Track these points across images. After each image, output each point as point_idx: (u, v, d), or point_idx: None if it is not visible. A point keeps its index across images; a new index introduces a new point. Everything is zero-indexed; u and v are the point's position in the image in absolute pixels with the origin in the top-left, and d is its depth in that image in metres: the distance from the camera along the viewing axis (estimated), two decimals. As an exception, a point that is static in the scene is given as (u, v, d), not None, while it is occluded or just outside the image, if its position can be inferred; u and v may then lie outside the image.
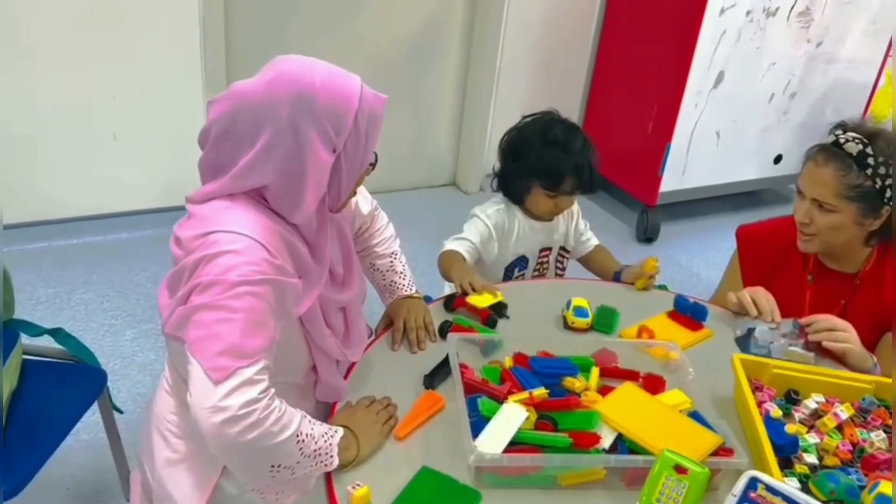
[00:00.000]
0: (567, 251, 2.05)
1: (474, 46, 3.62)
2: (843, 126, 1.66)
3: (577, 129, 1.91)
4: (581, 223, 2.07)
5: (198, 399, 1.06)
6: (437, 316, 1.62)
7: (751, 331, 1.66)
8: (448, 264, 1.81)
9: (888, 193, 1.61)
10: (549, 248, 2.01)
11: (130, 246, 3.04)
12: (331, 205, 1.25)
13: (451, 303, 1.68)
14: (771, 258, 1.86)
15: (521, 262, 1.98)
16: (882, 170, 1.59)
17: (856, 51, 3.69)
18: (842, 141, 1.62)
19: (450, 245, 1.86)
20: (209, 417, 1.05)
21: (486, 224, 1.91)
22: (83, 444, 2.04)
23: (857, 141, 1.60)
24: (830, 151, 1.64)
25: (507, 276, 1.98)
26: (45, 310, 2.63)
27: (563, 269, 2.08)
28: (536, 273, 2.03)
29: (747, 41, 3.33)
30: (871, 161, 1.59)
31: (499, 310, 1.66)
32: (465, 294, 1.67)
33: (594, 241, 2.09)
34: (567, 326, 1.66)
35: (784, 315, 1.73)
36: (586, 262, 2.11)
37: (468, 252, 1.86)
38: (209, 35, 2.99)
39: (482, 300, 1.64)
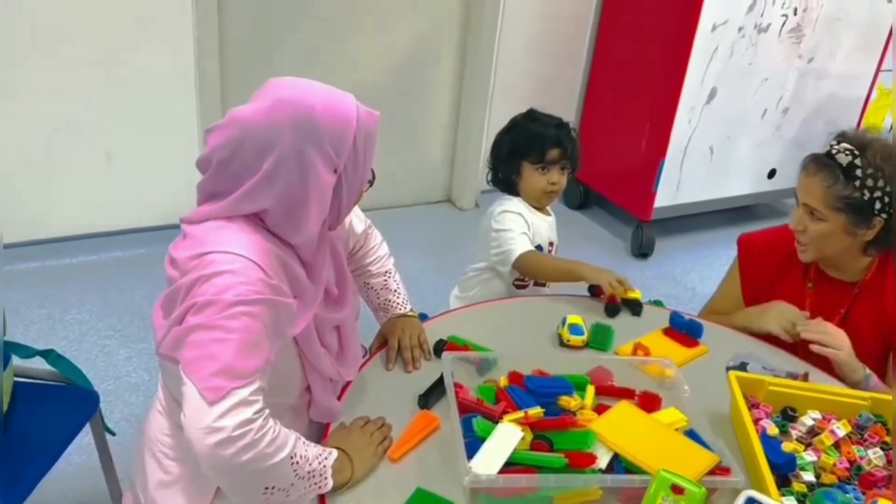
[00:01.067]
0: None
1: (468, 63, 3.63)
2: (842, 136, 1.66)
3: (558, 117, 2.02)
4: None
5: (192, 420, 1.05)
6: (437, 333, 1.61)
7: (743, 364, 1.64)
8: (556, 266, 1.90)
9: (878, 205, 1.61)
10: (553, 244, 2.06)
11: (124, 265, 3.03)
12: (330, 223, 1.26)
13: (593, 289, 1.85)
14: (771, 265, 1.86)
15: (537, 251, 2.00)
16: (870, 182, 1.59)
17: (847, 65, 3.72)
18: (833, 151, 1.63)
19: (522, 247, 1.90)
20: (203, 438, 1.04)
21: (518, 214, 1.96)
22: (75, 466, 2.02)
23: (847, 152, 1.60)
24: (821, 161, 1.65)
25: None
26: (38, 330, 2.62)
27: None
28: None
29: (739, 57, 3.35)
30: (859, 173, 1.60)
31: (632, 306, 1.79)
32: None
33: None
34: (562, 344, 1.65)
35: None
36: None
37: (532, 244, 1.92)
38: (203, 56, 3.00)
39: (617, 293, 1.77)
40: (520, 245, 1.91)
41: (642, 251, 3.60)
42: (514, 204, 1.99)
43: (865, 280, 1.74)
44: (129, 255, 3.09)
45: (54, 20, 2.74)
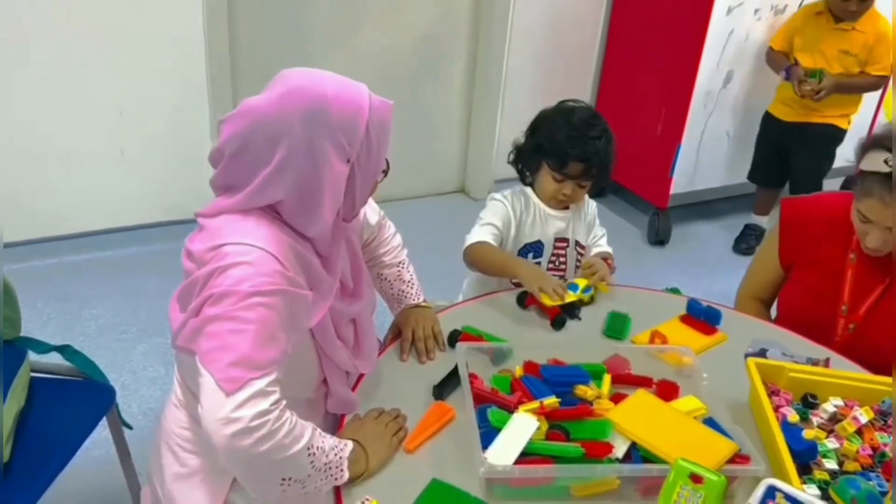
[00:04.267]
0: (583, 248, 1.96)
1: (480, 52, 3.61)
2: (878, 142, 1.55)
3: (601, 118, 1.87)
4: (598, 227, 1.99)
5: (209, 410, 1.06)
6: (451, 323, 1.60)
7: (763, 351, 1.61)
8: (499, 259, 1.76)
9: None
10: (566, 240, 1.91)
11: (139, 260, 3.05)
12: (345, 215, 1.25)
13: (523, 300, 1.70)
14: (814, 229, 1.82)
15: (536, 247, 1.88)
16: None
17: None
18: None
19: (476, 236, 1.79)
20: (221, 429, 1.04)
21: (505, 206, 1.84)
22: (93, 460, 2.03)
23: None
24: (888, 185, 1.53)
25: None
26: (55, 326, 2.64)
27: None
28: (552, 265, 1.91)
29: (756, 40, 3.30)
30: None
31: (570, 310, 1.66)
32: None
33: (603, 249, 1.97)
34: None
35: (824, 290, 1.71)
36: None
37: (494, 239, 1.80)
38: (214, 51, 3.00)
39: (556, 301, 1.62)
40: (475, 235, 1.79)
41: (659, 238, 3.56)
42: (510, 193, 1.88)
43: None
44: (144, 251, 3.11)
45: (67, 19, 2.75)
